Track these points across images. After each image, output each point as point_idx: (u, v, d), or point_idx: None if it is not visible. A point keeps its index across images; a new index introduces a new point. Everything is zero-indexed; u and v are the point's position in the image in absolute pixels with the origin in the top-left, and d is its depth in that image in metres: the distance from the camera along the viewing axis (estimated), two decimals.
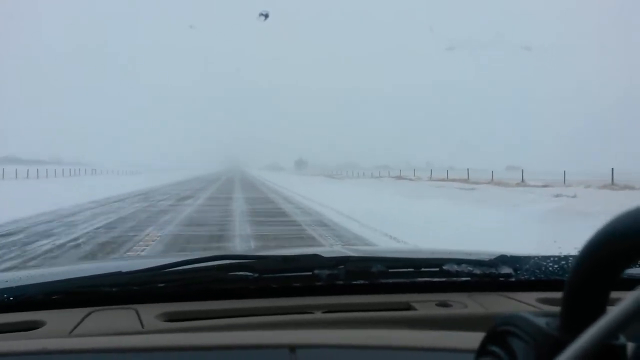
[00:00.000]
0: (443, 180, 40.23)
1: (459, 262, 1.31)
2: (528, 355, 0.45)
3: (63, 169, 58.45)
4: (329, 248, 3.62)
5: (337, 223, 11.74)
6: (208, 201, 19.02)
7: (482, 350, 0.50)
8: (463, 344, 0.80)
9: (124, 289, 1.18)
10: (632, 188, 23.47)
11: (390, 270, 1.30)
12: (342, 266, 1.26)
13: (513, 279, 1.31)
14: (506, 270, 1.31)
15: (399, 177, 47.93)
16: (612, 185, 25.53)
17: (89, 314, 1.09)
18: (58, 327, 1.02)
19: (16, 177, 42.55)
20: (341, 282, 1.25)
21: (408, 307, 1.20)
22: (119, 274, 1.23)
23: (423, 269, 1.34)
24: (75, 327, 1.02)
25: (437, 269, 1.31)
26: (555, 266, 1.32)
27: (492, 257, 1.34)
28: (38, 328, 1.02)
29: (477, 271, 1.30)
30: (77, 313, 1.09)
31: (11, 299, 1.12)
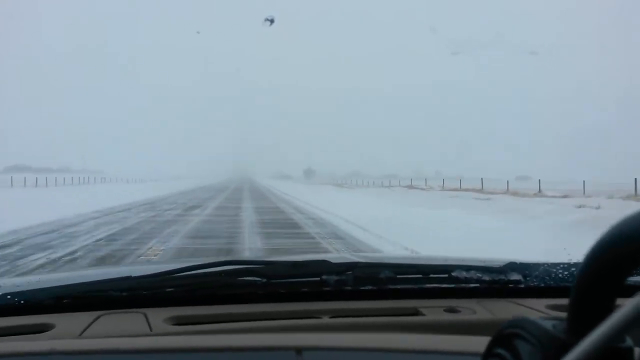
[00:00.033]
0: (456, 190, 39.28)
1: (467, 268, 1.30)
2: (534, 357, 0.45)
3: (72, 177, 58.19)
4: (337, 254, 3.76)
5: (353, 236, 10.97)
6: (216, 211, 18.28)
7: (489, 352, 0.50)
8: (470, 347, 0.80)
9: (133, 293, 1.19)
10: None
11: (398, 276, 1.29)
12: (350, 272, 1.25)
13: (522, 286, 1.30)
14: (515, 277, 1.30)
15: (411, 187, 46.97)
16: (636, 195, 24.56)
17: (98, 317, 1.10)
18: (67, 329, 1.03)
19: (25, 185, 42.33)
20: (349, 288, 1.25)
21: (416, 312, 1.20)
22: (128, 278, 1.24)
23: (431, 275, 1.32)
24: (84, 330, 1.03)
25: (446, 275, 1.30)
26: (565, 273, 1.32)
27: (501, 264, 1.33)
28: (48, 331, 1.03)
29: (486, 278, 1.29)
30: (86, 316, 1.10)
31: (22, 302, 1.14)
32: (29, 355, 0.80)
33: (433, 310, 1.20)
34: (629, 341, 0.42)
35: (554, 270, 1.33)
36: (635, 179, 26.21)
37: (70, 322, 1.07)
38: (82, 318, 1.09)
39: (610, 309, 0.44)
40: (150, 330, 1.05)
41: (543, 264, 1.36)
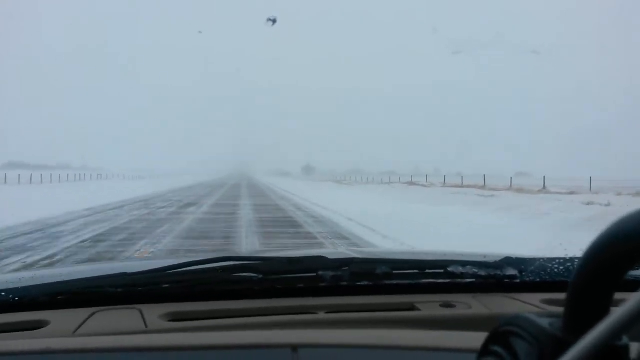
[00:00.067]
0: (457, 186, 38.61)
1: (463, 263, 1.30)
2: (531, 355, 0.44)
3: (68, 174, 57.60)
4: (334, 250, 3.50)
5: (358, 236, 10.28)
6: (212, 208, 17.57)
7: (485, 350, 0.49)
8: (466, 344, 0.80)
9: (128, 290, 1.18)
10: None
11: (394, 272, 1.28)
12: (347, 268, 1.25)
13: (518, 281, 1.30)
14: (511, 271, 1.30)
15: (411, 183, 46.23)
16: None
17: (93, 314, 1.09)
18: (62, 326, 1.02)
19: (19, 182, 41.60)
20: (345, 284, 1.25)
21: (412, 307, 1.20)
22: (123, 274, 1.22)
23: (427, 271, 1.32)
24: (79, 327, 1.02)
25: (442, 271, 1.29)
26: (561, 268, 1.31)
27: (497, 258, 1.33)
28: (42, 327, 1.02)
29: (482, 273, 1.29)
30: (81, 313, 1.09)
31: (16, 299, 1.12)
32: (24, 354, 0.80)
33: (429, 306, 1.20)
34: (625, 339, 0.42)
35: (550, 265, 1.33)
36: None
37: (65, 319, 1.06)
38: (77, 314, 1.08)
39: (607, 307, 0.44)
40: (146, 326, 1.04)
41: (539, 259, 1.36)
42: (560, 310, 0.46)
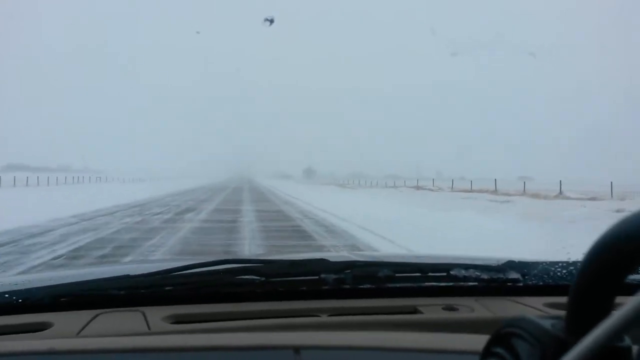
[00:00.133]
0: (467, 191, 37.28)
1: (466, 267, 1.29)
2: (533, 356, 0.44)
3: (66, 177, 56.27)
4: (336, 253, 3.59)
5: (376, 248, 8.86)
6: (212, 215, 16.13)
7: (487, 351, 0.50)
8: (468, 346, 0.80)
9: (131, 292, 1.18)
10: None
11: (396, 275, 1.27)
12: (349, 270, 1.24)
13: (521, 284, 1.29)
14: (514, 275, 1.29)
15: (418, 187, 44.88)
16: None
17: (96, 316, 1.10)
18: (65, 328, 1.03)
19: (14, 184, 40.29)
20: (348, 287, 1.24)
21: (414, 310, 1.19)
22: (126, 277, 1.22)
23: (430, 274, 1.31)
24: (82, 329, 1.03)
25: (444, 274, 1.29)
26: (564, 271, 1.31)
27: (500, 262, 1.32)
28: (46, 329, 1.03)
29: (485, 276, 1.28)
30: (85, 315, 1.09)
31: (20, 301, 1.13)
32: (27, 354, 0.80)
33: (431, 309, 1.20)
34: (627, 340, 0.42)
35: (553, 268, 1.32)
36: None
37: (69, 321, 1.06)
38: (81, 317, 1.08)
39: (609, 308, 0.44)
40: (149, 328, 1.04)
41: (541, 263, 1.34)
42: (562, 313, 0.46)
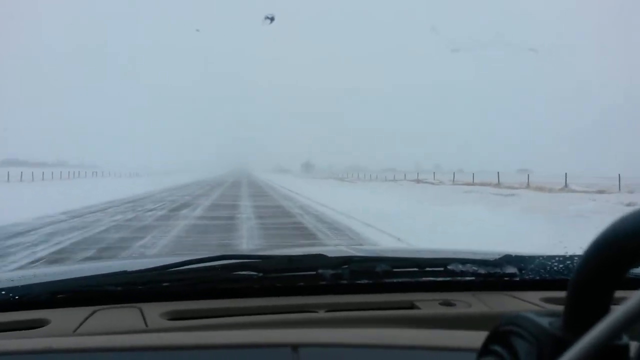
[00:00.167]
0: (469, 184, 36.60)
1: (463, 261, 1.30)
2: (530, 354, 0.44)
3: (61, 172, 55.48)
4: (333, 248, 3.16)
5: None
6: (207, 212, 15.41)
7: (485, 349, 0.49)
8: (466, 343, 0.80)
9: (128, 288, 1.18)
10: None
11: (394, 270, 1.28)
12: (346, 266, 1.25)
13: (517, 279, 1.30)
14: (511, 269, 1.30)
15: (418, 181, 44.12)
16: None
17: (93, 312, 1.09)
18: (62, 325, 1.02)
19: (8, 179, 39.49)
20: (345, 282, 1.25)
21: (412, 306, 1.20)
22: (123, 273, 1.22)
23: (427, 269, 1.32)
24: (79, 326, 1.02)
25: (442, 269, 1.30)
26: (560, 266, 1.31)
27: (497, 256, 1.33)
28: (43, 326, 1.02)
29: (482, 271, 1.29)
30: (82, 312, 1.09)
31: (16, 297, 1.12)
32: (24, 353, 0.79)
33: (429, 304, 1.20)
34: (625, 338, 0.42)
35: (550, 263, 1.32)
36: None
37: (66, 318, 1.05)
38: (78, 313, 1.08)
39: (607, 305, 0.43)
40: (146, 325, 1.04)
41: (539, 257, 1.35)
42: (560, 308, 0.46)
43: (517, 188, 29.15)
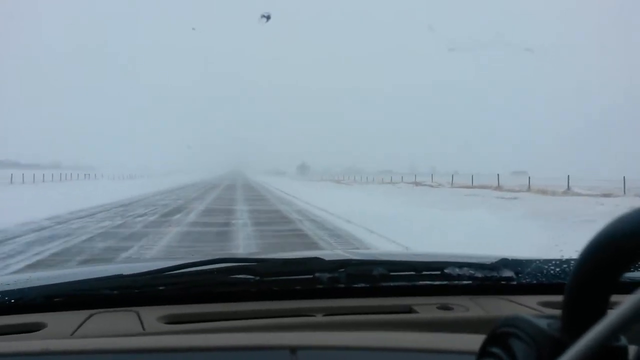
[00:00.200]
0: (468, 187, 36.01)
1: (460, 265, 1.29)
2: (529, 356, 0.44)
3: (52, 174, 54.57)
4: (330, 251, 3.22)
5: None
6: (201, 217, 14.67)
7: (483, 351, 0.49)
8: (464, 345, 0.80)
9: (125, 292, 1.18)
10: None
11: (391, 274, 1.28)
12: (343, 269, 1.24)
13: (515, 283, 1.30)
14: (508, 273, 1.29)
15: (416, 183, 43.51)
16: None
17: (90, 316, 1.09)
18: (59, 329, 1.02)
19: None
20: (342, 285, 1.24)
21: (409, 310, 1.20)
22: (120, 276, 1.22)
23: (424, 273, 1.32)
24: (76, 329, 1.02)
25: (439, 272, 1.29)
26: (557, 269, 1.31)
27: (494, 260, 1.33)
28: (39, 330, 1.02)
29: (479, 274, 1.28)
30: (78, 315, 1.09)
31: (12, 301, 1.12)
32: (21, 355, 0.79)
33: (426, 308, 1.20)
34: (623, 340, 0.42)
35: (546, 266, 1.32)
36: None
37: (62, 321, 1.06)
38: (74, 317, 1.08)
39: (604, 307, 0.44)
40: (143, 329, 1.04)
41: (535, 261, 1.34)
42: (558, 312, 0.46)
43: (517, 191, 28.58)
